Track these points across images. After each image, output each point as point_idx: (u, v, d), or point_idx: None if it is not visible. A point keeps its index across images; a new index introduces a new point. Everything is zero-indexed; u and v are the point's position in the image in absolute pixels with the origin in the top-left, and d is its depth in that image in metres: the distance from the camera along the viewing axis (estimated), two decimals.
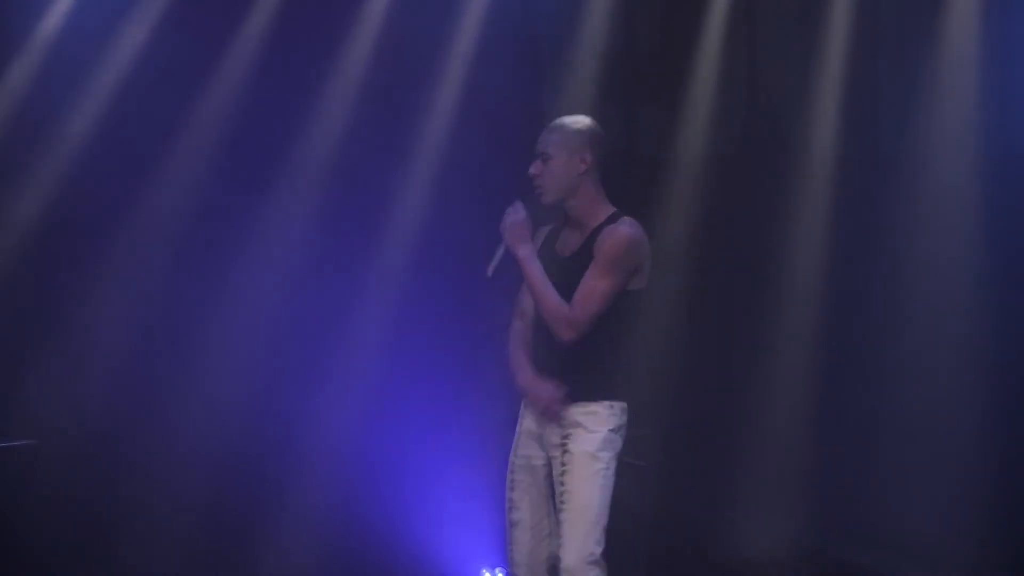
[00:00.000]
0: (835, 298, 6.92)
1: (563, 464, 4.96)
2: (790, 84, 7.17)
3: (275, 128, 6.83)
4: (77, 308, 6.54)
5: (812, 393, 6.86)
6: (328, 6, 6.92)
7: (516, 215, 4.98)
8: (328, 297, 6.90)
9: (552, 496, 5.01)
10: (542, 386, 4.98)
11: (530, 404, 5.08)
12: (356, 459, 6.87)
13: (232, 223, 6.77)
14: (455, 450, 6.89)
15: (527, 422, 5.10)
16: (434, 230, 7.02)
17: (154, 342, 6.66)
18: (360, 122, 6.89)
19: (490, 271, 4.98)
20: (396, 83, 6.97)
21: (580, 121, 5.11)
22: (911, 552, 6.58)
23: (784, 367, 6.94)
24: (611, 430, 4.97)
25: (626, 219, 4.98)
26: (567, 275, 4.95)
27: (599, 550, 4.94)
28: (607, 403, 4.98)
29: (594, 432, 4.95)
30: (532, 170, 5.01)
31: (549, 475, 5.04)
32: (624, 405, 5.02)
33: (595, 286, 4.89)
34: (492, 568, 6.72)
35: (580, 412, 4.96)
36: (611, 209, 5.03)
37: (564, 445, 4.96)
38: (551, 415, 4.97)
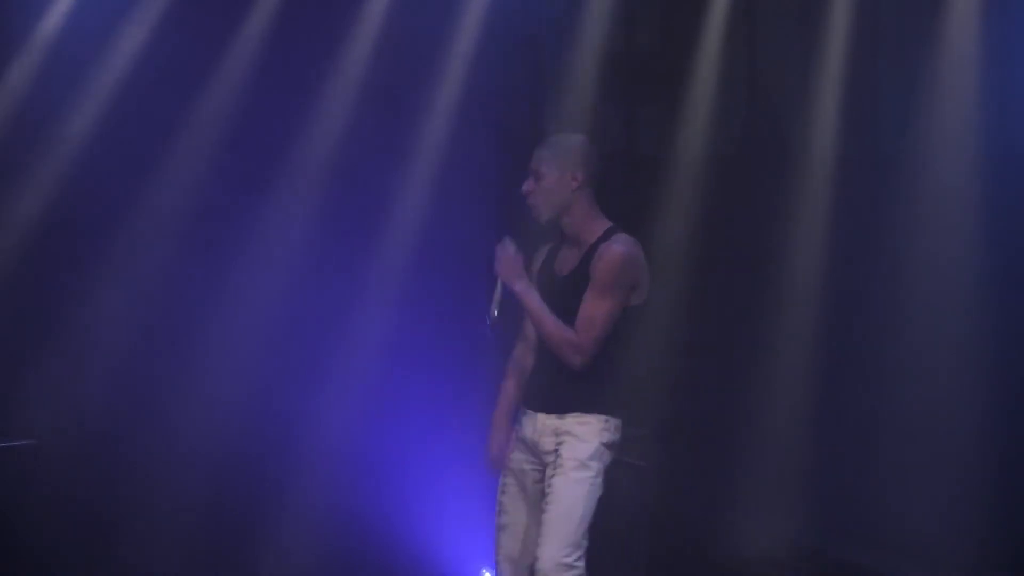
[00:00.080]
0: (835, 298, 6.91)
1: (552, 469, 4.98)
2: (790, 84, 7.16)
3: (275, 128, 6.83)
4: (77, 308, 6.54)
5: (812, 393, 6.85)
6: (328, 6, 6.92)
7: (506, 252, 4.98)
8: (328, 297, 6.90)
9: (541, 503, 5.03)
10: (494, 435, 5.14)
11: (523, 415, 5.14)
12: (356, 459, 6.87)
13: (232, 223, 6.77)
14: (455, 450, 6.89)
15: (523, 429, 5.12)
16: (434, 230, 7.02)
17: (154, 342, 6.66)
18: (360, 122, 6.88)
19: (493, 312, 5.00)
20: (396, 83, 6.97)
21: (571, 138, 5.14)
22: (911, 552, 6.58)
23: (784, 367, 6.94)
24: (603, 443, 4.99)
25: (620, 236, 4.97)
26: (565, 295, 4.96)
27: (576, 555, 4.92)
28: (603, 417, 5.00)
29: (587, 442, 4.97)
30: (525, 188, 5.03)
31: (539, 482, 5.06)
32: (619, 423, 5.04)
33: (595, 310, 4.90)
34: (492, 568, 6.72)
35: (575, 422, 4.98)
36: (606, 224, 5.02)
37: (556, 451, 4.98)
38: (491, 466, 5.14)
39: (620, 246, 4.93)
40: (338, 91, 6.87)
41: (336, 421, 6.83)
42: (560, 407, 5.01)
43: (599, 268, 4.91)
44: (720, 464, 7.06)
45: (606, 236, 4.98)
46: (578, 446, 4.96)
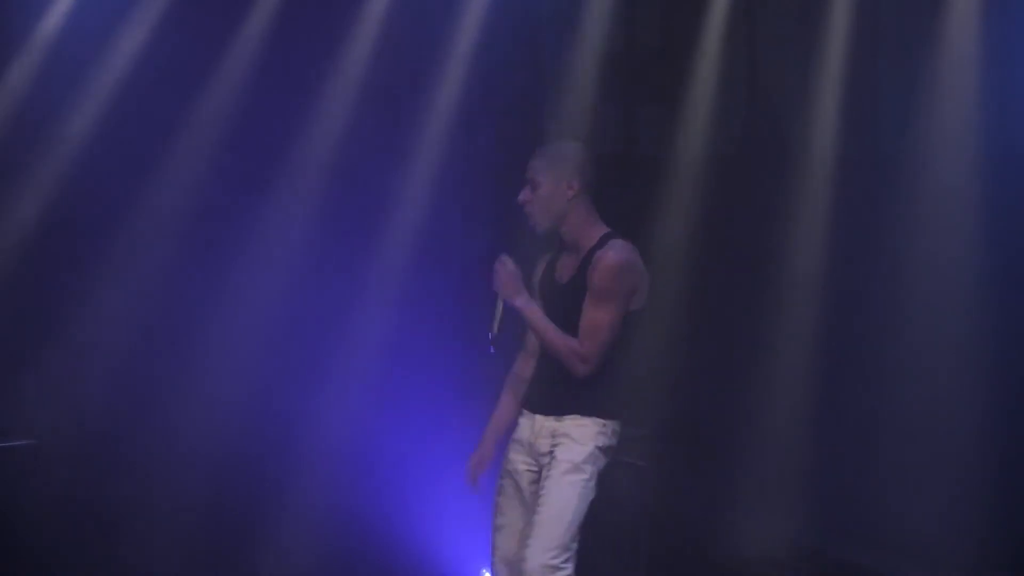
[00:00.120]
0: (835, 298, 6.91)
1: (547, 471, 4.99)
2: (790, 84, 7.16)
3: (275, 128, 6.83)
4: (77, 308, 6.54)
5: (812, 393, 6.85)
6: (328, 6, 6.92)
7: (505, 268, 4.99)
8: (328, 297, 6.90)
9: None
10: (480, 447, 5.22)
11: (522, 417, 5.16)
12: (356, 459, 6.87)
13: (232, 223, 6.77)
14: (455, 450, 6.89)
15: (520, 430, 5.13)
16: (434, 230, 7.02)
17: (154, 342, 6.67)
18: (360, 122, 6.89)
19: (495, 328, 5.02)
20: (396, 83, 6.97)
21: (566, 146, 5.16)
22: (911, 552, 6.58)
23: (784, 367, 6.94)
24: (598, 447, 5.00)
25: (616, 242, 4.98)
26: (565, 302, 4.98)
27: (563, 557, 4.92)
28: (600, 420, 5.01)
29: (582, 445, 4.98)
30: (521, 198, 5.04)
31: (535, 483, 5.07)
32: (616, 426, 5.04)
33: (596, 318, 4.91)
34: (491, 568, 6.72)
35: (571, 424, 4.99)
36: (604, 230, 5.03)
37: (551, 452, 4.99)
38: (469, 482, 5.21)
39: (616, 253, 4.94)
40: (338, 91, 6.87)
41: (336, 421, 6.83)
42: (558, 409, 5.02)
43: (596, 276, 4.92)
44: (720, 464, 7.06)
45: (602, 243, 4.99)
46: (573, 448, 4.97)
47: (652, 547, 6.62)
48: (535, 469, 5.07)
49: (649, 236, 7.08)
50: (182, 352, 6.69)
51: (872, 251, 6.90)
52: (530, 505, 5.05)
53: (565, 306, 4.98)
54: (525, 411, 5.16)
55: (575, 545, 4.95)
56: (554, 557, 4.90)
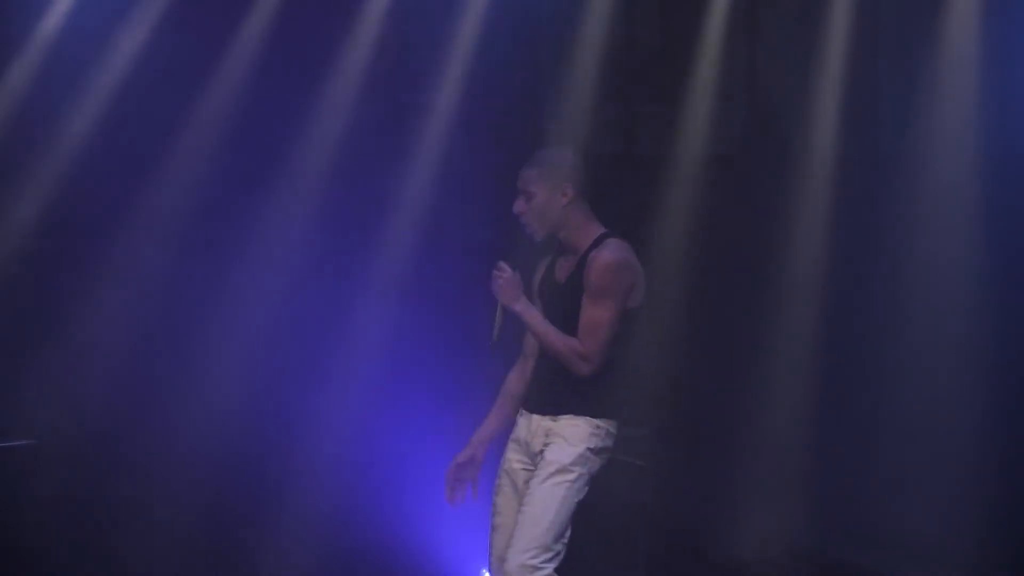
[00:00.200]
0: (835, 298, 6.91)
1: (537, 470, 4.99)
2: (790, 84, 7.16)
3: (275, 128, 6.83)
4: (77, 308, 6.54)
5: (812, 393, 6.85)
6: (328, 6, 6.91)
7: (503, 275, 5.01)
8: (328, 297, 6.90)
9: None
10: (464, 451, 5.22)
11: (520, 416, 5.17)
12: (356, 459, 6.87)
13: (232, 223, 6.77)
14: (455, 450, 6.89)
15: (518, 430, 5.14)
16: (434, 230, 7.02)
17: (154, 342, 6.67)
18: (360, 122, 6.88)
19: (495, 335, 5.05)
20: (396, 83, 6.97)
21: (557, 153, 5.19)
22: (911, 552, 6.58)
23: (784, 367, 6.93)
24: (590, 448, 5.00)
25: (611, 242, 5.00)
26: (563, 302, 5.00)
27: (543, 558, 4.91)
28: (594, 421, 5.01)
29: (573, 445, 4.99)
30: (516, 208, 5.05)
31: (530, 482, 5.07)
32: (611, 427, 5.04)
33: (595, 316, 4.92)
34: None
35: (565, 424, 5.00)
36: (600, 230, 5.05)
37: (542, 452, 5.00)
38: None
39: (610, 252, 4.96)
40: (338, 91, 6.87)
41: (336, 421, 6.83)
42: (554, 409, 5.04)
43: (593, 275, 4.94)
44: (720, 464, 7.05)
45: (597, 243, 5.01)
46: (564, 449, 4.98)
47: (651, 547, 6.62)
48: (530, 468, 5.07)
49: (649, 236, 7.08)
50: (182, 352, 6.69)
51: (872, 251, 6.90)
52: None
53: (564, 306, 4.99)
54: (523, 410, 5.18)
55: (559, 546, 4.95)
56: (533, 557, 4.90)
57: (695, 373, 7.10)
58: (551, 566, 4.92)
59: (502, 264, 5.04)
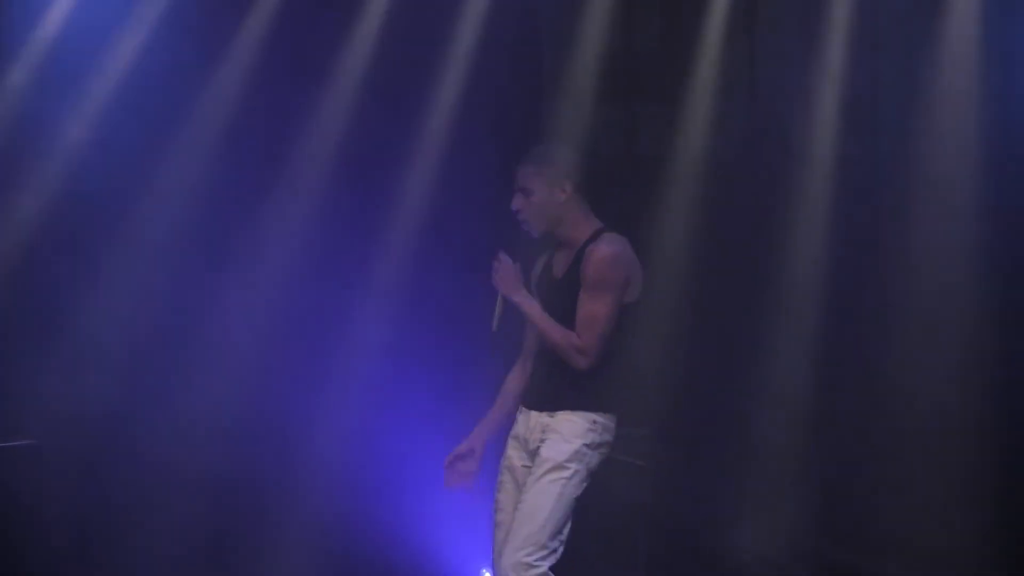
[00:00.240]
0: (835, 298, 6.91)
1: (533, 466, 5.00)
2: (790, 84, 7.16)
3: (275, 128, 6.83)
4: (77, 308, 6.53)
5: (812, 393, 6.86)
6: (328, 6, 6.91)
7: (504, 266, 5.02)
8: (328, 297, 6.90)
9: None
10: (463, 444, 5.22)
11: (520, 412, 5.18)
12: (356, 459, 6.87)
13: (233, 223, 6.77)
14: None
15: (517, 426, 5.15)
16: (435, 230, 7.02)
17: (154, 342, 6.66)
18: (360, 123, 6.88)
19: (495, 325, 5.07)
20: (395, 83, 6.97)
21: (554, 149, 5.20)
22: (910, 553, 6.58)
23: (784, 367, 6.94)
24: (586, 444, 5.00)
25: (607, 236, 5.02)
26: (561, 297, 5.02)
27: (538, 555, 4.91)
28: (591, 416, 5.01)
29: (569, 442, 4.99)
30: (514, 205, 5.06)
31: None
32: (609, 421, 5.04)
33: (592, 310, 4.93)
34: (491, 567, 6.72)
35: (562, 420, 5.01)
36: (597, 225, 5.07)
37: (538, 448, 5.01)
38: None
39: (607, 246, 4.98)
40: (338, 92, 6.87)
41: (336, 421, 6.83)
42: (551, 405, 5.05)
43: (589, 269, 4.96)
44: (720, 464, 7.06)
45: (594, 237, 5.02)
46: (559, 446, 4.98)
47: (651, 547, 6.62)
48: (529, 465, 5.08)
49: (649, 237, 7.08)
50: (182, 352, 6.69)
51: (872, 251, 6.90)
52: None
53: (561, 301, 5.00)
54: (522, 407, 5.18)
55: (556, 544, 4.94)
56: (528, 555, 4.90)
57: (695, 373, 7.10)
58: (546, 564, 4.92)
59: (502, 255, 5.05)
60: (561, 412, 5.02)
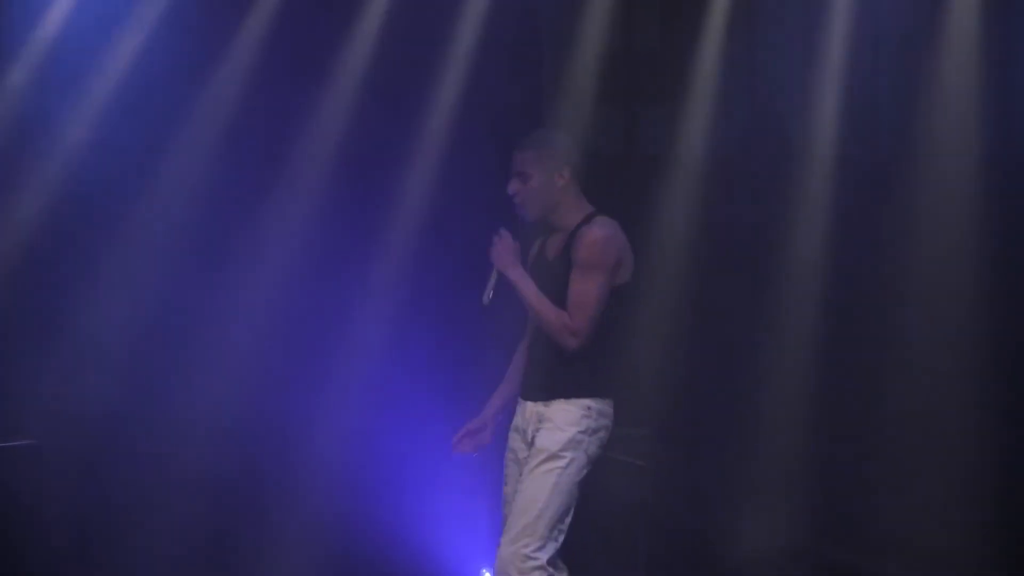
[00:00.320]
0: (835, 299, 6.91)
1: (529, 457, 5.01)
2: (790, 84, 7.16)
3: (275, 129, 6.83)
4: (77, 308, 6.53)
5: (811, 393, 6.86)
6: (328, 6, 6.91)
7: (503, 241, 5.03)
8: (328, 297, 6.90)
9: None
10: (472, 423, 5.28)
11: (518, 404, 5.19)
12: (356, 459, 6.87)
13: (232, 223, 6.76)
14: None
15: (516, 417, 5.17)
16: (435, 230, 7.02)
17: (155, 342, 6.66)
18: (359, 123, 6.88)
19: (486, 299, 5.08)
20: (395, 84, 6.97)
21: (553, 136, 5.22)
22: (910, 553, 6.58)
23: (784, 367, 6.94)
24: (581, 431, 4.99)
25: (599, 219, 5.06)
26: (553, 279, 5.02)
27: (534, 546, 4.90)
28: (584, 403, 5.01)
29: (563, 430, 4.99)
30: (511, 190, 5.07)
31: None
32: (604, 406, 5.04)
33: (583, 290, 4.95)
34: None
35: (556, 409, 5.02)
36: (589, 209, 5.10)
37: (533, 439, 5.02)
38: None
39: (599, 228, 5.02)
40: (337, 92, 6.87)
41: (336, 421, 6.83)
42: (546, 394, 5.06)
43: (580, 250, 4.98)
44: (720, 464, 7.06)
45: (586, 220, 5.04)
46: (553, 435, 4.99)
47: (651, 547, 6.62)
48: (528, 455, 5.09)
49: (649, 236, 7.08)
50: (182, 352, 6.69)
51: (872, 251, 6.90)
52: None
53: (554, 282, 5.03)
54: (520, 398, 5.19)
55: (555, 533, 4.93)
56: (526, 546, 4.90)
57: (695, 373, 7.10)
58: (543, 555, 4.90)
59: (503, 230, 5.07)
60: (555, 401, 5.03)
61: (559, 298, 5.00)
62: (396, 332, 6.93)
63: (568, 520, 4.99)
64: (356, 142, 6.89)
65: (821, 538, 6.84)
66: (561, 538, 4.98)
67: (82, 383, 6.49)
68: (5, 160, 6.44)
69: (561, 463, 4.96)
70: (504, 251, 5.06)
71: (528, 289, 5.03)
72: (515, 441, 5.18)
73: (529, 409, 5.12)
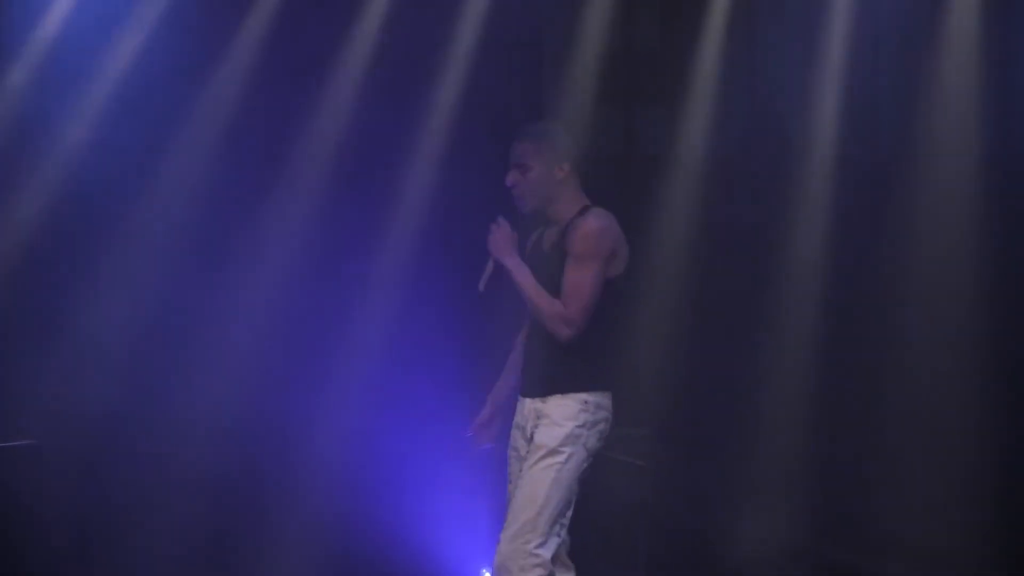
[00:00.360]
0: (835, 299, 6.92)
1: (528, 453, 5.01)
2: (790, 84, 7.16)
3: (275, 129, 6.83)
4: (77, 309, 6.53)
5: (811, 393, 6.86)
6: (328, 7, 6.92)
7: (501, 229, 5.04)
8: (328, 297, 6.90)
9: None
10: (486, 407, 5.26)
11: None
12: (356, 459, 6.87)
13: (232, 223, 6.77)
14: (455, 449, 6.89)
15: (516, 414, 5.17)
16: (434, 231, 7.02)
17: (154, 342, 6.66)
18: (359, 123, 6.88)
19: (481, 286, 5.08)
20: (395, 84, 6.97)
21: (555, 129, 5.22)
22: (910, 553, 6.58)
23: (784, 367, 6.94)
24: (579, 426, 4.99)
25: (594, 210, 5.06)
26: (548, 269, 5.02)
27: (536, 542, 4.90)
28: (581, 396, 5.01)
29: (560, 426, 4.99)
30: (509, 181, 5.08)
31: None
32: (601, 398, 5.03)
33: (578, 280, 4.95)
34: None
35: (553, 405, 5.02)
36: (584, 202, 5.09)
37: (532, 435, 5.02)
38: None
39: (594, 219, 5.03)
40: (337, 92, 6.87)
41: (336, 421, 6.83)
42: (543, 390, 5.06)
43: (575, 240, 4.99)
44: (719, 464, 7.06)
45: (582, 212, 5.04)
46: (551, 431, 4.99)
47: (650, 546, 6.62)
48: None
49: (649, 236, 7.08)
50: (182, 352, 6.69)
51: (872, 251, 6.90)
52: None
53: (549, 274, 5.03)
54: (519, 396, 5.20)
55: (557, 528, 4.93)
56: (527, 542, 4.89)
57: (695, 373, 7.10)
58: (545, 552, 4.90)
59: (501, 219, 5.07)
60: (552, 396, 5.03)
61: (554, 289, 5.01)
62: (396, 332, 6.93)
63: (569, 514, 4.99)
64: (356, 142, 6.89)
65: (821, 538, 6.84)
66: (563, 532, 4.98)
67: (82, 383, 6.49)
68: (5, 160, 6.44)
69: (560, 458, 4.96)
70: (501, 239, 5.07)
71: (524, 278, 5.03)
72: (516, 439, 5.19)
73: (527, 406, 5.12)
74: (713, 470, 7.06)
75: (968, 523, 6.40)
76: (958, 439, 6.50)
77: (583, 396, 5.01)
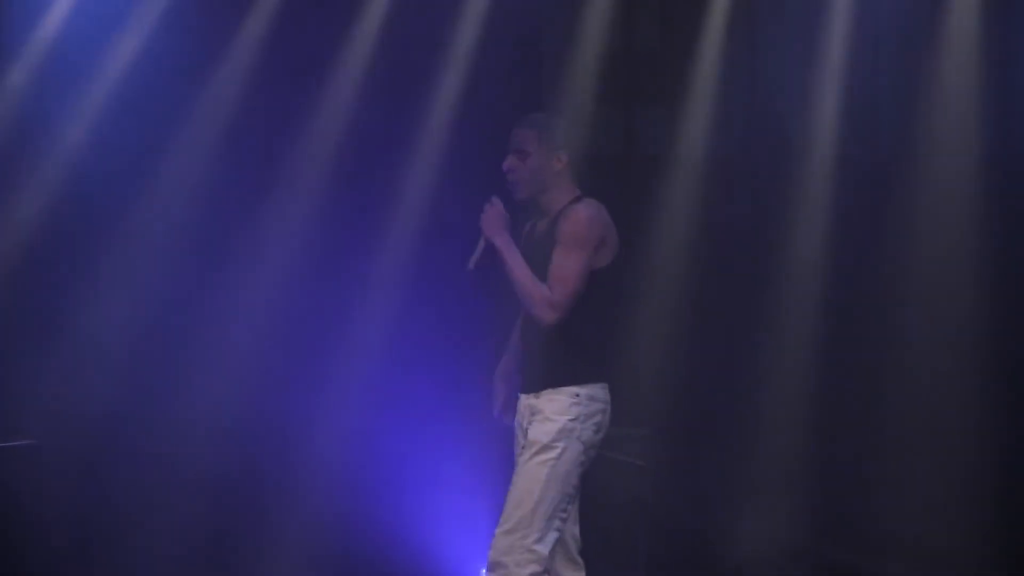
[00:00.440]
0: (835, 299, 6.92)
1: (523, 449, 5.02)
2: (790, 84, 7.16)
3: (275, 128, 6.84)
4: (77, 309, 6.53)
5: (811, 393, 6.86)
6: (328, 7, 6.92)
7: (494, 208, 5.05)
8: (328, 297, 6.90)
9: None
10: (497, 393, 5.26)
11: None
12: (356, 459, 6.87)
13: (232, 223, 6.77)
14: (455, 450, 6.89)
15: (517, 414, 5.16)
16: (434, 231, 7.02)
17: (154, 342, 6.66)
18: (359, 123, 6.88)
19: (472, 264, 5.08)
20: (396, 84, 6.97)
21: (553, 120, 5.23)
22: (910, 553, 6.58)
23: (784, 367, 6.94)
24: (571, 420, 4.97)
25: (585, 200, 5.05)
26: (539, 256, 5.02)
27: (532, 538, 4.88)
28: (573, 390, 5.00)
29: (552, 420, 4.98)
30: (507, 166, 5.09)
31: None
32: (593, 391, 5.01)
33: (564, 265, 4.95)
34: None
35: (545, 400, 5.02)
36: (576, 193, 5.09)
37: (526, 432, 5.02)
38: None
39: (584, 207, 5.03)
40: (338, 93, 6.87)
41: (336, 421, 6.83)
42: (536, 385, 5.05)
43: (564, 228, 4.99)
44: (719, 464, 7.06)
45: (573, 201, 5.05)
46: (543, 427, 4.98)
47: (650, 546, 6.62)
48: None
49: (649, 236, 7.08)
50: (183, 352, 6.69)
51: (872, 251, 6.90)
52: None
53: (539, 261, 5.02)
54: (517, 393, 5.19)
55: (555, 523, 4.91)
56: (524, 538, 4.87)
57: (695, 373, 7.10)
58: (543, 547, 4.88)
59: (495, 199, 5.08)
60: (544, 392, 5.03)
61: (544, 277, 5.01)
62: (396, 332, 6.93)
63: (569, 508, 4.97)
64: (356, 142, 6.89)
65: (821, 538, 6.84)
66: (562, 527, 4.96)
67: (82, 383, 6.49)
68: (5, 160, 6.44)
69: (553, 454, 4.95)
70: (494, 218, 5.07)
71: (512, 257, 5.03)
72: (518, 436, 5.19)
73: (523, 402, 5.12)
74: (713, 470, 7.06)
75: (968, 523, 6.41)
76: (958, 439, 6.50)
77: (574, 389, 5.00)
